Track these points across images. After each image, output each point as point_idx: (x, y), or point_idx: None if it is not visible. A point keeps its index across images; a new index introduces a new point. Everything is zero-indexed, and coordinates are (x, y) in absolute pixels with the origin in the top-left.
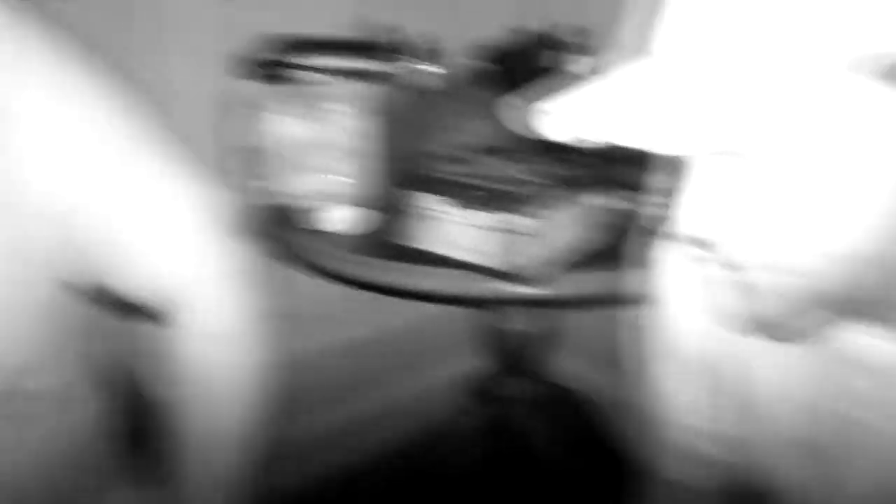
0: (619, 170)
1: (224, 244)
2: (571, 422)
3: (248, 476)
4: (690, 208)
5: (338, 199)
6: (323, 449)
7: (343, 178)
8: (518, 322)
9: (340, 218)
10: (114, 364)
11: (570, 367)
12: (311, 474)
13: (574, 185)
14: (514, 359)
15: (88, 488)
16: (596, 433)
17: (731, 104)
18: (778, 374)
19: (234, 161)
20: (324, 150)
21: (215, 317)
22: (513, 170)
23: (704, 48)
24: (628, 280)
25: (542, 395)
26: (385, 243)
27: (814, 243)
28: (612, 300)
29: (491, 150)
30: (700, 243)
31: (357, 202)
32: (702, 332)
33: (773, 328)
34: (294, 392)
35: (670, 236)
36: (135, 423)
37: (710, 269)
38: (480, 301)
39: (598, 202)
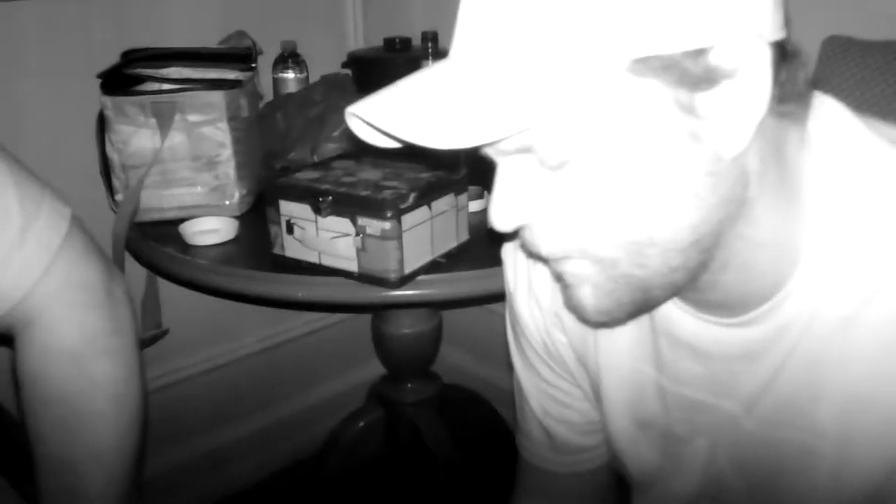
0: (473, 171)
1: (78, 260)
2: (460, 417)
3: (122, 497)
4: (500, 204)
5: (201, 210)
6: (221, 465)
7: (205, 189)
8: (401, 325)
9: (205, 230)
10: None
11: (455, 363)
12: (208, 492)
13: (433, 187)
14: (403, 361)
15: None
16: (483, 426)
17: (521, 103)
18: (618, 359)
19: (98, 176)
20: (183, 161)
21: (65, 334)
22: (372, 175)
23: (491, 48)
24: (490, 278)
25: (431, 394)
26: (253, 254)
27: (610, 232)
28: (479, 298)
29: (350, 156)
30: (513, 237)
31: (223, 210)
32: (545, 321)
33: (587, 314)
34: (184, 411)
35: (498, 232)
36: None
37: (535, 262)
38: (353, 307)
39: (455, 204)
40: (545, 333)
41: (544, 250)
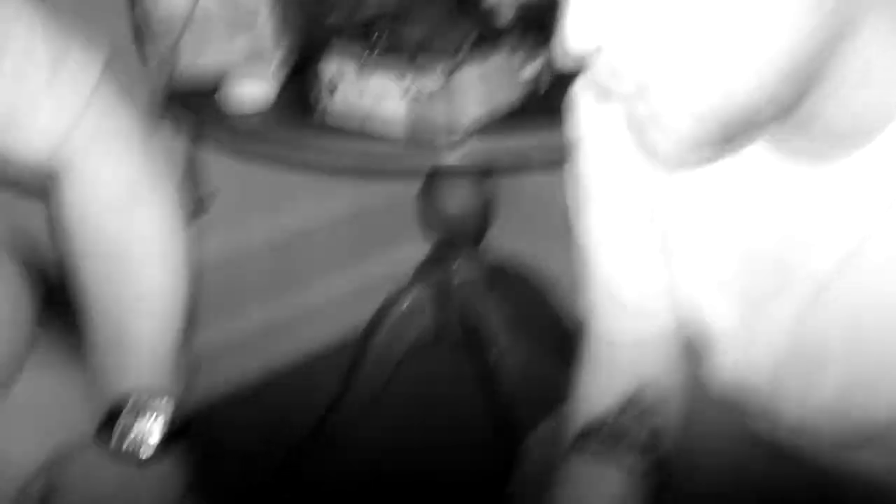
0: (529, 25)
1: (114, 105)
2: (510, 296)
3: (173, 353)
4: (576, 17)
5: (242, 71)
6: (265, 343)
7: (242, 53)
8: (452, 197)
9: (247, 92)
10: (15, 237)
11: (509, 240)
12: (255, 367)
13: (484, 44)
14: (454, 236)
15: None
16: (534, 307)
17: None
18: (694, 212)
19: (138, 34)
20: (218, 23)
21: (104, 184)
22: (419, 33)
23: None
24: (550, 137)
25: (484, 272)
26: (294, 119)
27: (693, 58)
28: (535, 163)
29: (394, 16)
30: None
31: (262, 75)
32: (622, 173)
33: (661, 158)
34: (230, 285)
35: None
36: (47, 296)
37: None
38: (402, 172)
39: (508, 63)
40: (615, 184)
41: (619, 84)
